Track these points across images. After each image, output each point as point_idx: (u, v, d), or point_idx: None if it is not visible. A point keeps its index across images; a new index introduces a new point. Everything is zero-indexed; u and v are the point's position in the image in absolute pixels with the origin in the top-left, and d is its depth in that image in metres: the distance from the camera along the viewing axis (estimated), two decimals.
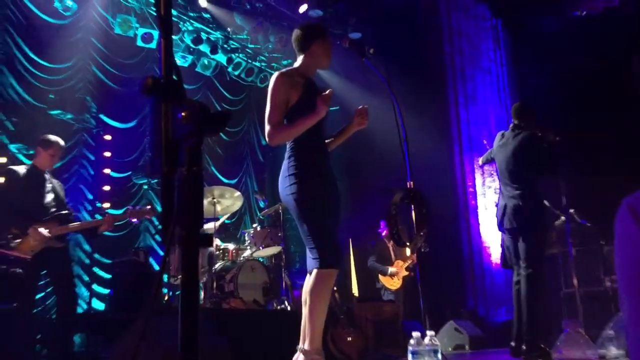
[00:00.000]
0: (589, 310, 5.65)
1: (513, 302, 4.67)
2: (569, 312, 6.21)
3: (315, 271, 3.11)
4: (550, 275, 6.78)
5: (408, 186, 3.31)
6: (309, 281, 3.15)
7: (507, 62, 9.28)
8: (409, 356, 3.04)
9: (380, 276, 7.34)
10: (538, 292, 4.51)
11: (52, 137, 4.76)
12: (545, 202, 6.65)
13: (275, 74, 3.33)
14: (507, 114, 8.98)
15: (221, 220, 6.53)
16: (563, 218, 6.70)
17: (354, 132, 3.57)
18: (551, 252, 6.93)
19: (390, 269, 7.23)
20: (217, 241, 6.31)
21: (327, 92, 3.13)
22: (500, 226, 4.78)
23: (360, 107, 3.49)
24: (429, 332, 3.08)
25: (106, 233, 6.72)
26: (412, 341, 3.03)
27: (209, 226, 6.10)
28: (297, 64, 3.47)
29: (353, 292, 8.45)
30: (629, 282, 0.84)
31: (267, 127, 3.24)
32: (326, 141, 3.49)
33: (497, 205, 4.93)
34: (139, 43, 7.83)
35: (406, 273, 7.24)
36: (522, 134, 4.79)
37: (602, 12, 7.93)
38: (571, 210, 6.04)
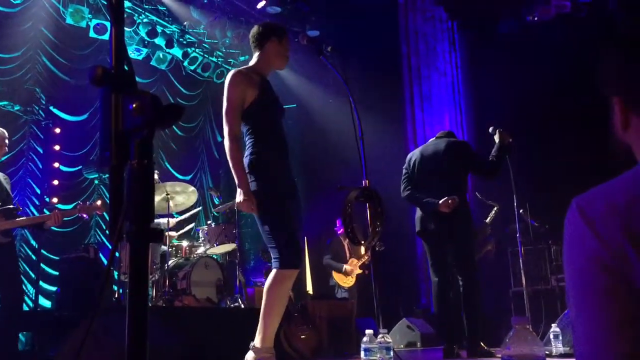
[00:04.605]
0: (536, 307, 5.80)
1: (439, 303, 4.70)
2: (517, 310, 6.36)
3: (274, 270, 3.10)
4: (499, 273, 6.94)
5: (363, 184, 3.32)
6: (267, 280, 3.14)
7: (463, 64, 9.44)
8: (362, 353, 3.06)
9: (334, 273, 7.37)
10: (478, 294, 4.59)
11: None
12: (477, 195, 6.79)
13: (231, 72, 3.30)
14: (461, 115, 9.14)
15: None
16: (496, 209, 6.86)
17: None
18: (487, 249, 7.10)
19: (345, 267, 7.26)
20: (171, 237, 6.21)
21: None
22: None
23: None
24: (382, 330, 3.11)
25: (54, 228, 6.55)
26: (365, 338, 3.06)
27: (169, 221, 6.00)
28: (252, 62, 3.45)
29: (307, 290, 8.46)
30: (577, 283, 0.85)
31: (225, 127, 3.20)
32: None
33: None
34: (92, 34, 7.64)
35: (360, 271, 7.28)
36: (451, 140, 4.85)
37: (554, 17, 8.13)
38: (521, 211, 6.19)
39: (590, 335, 0.81)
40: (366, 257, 7.15)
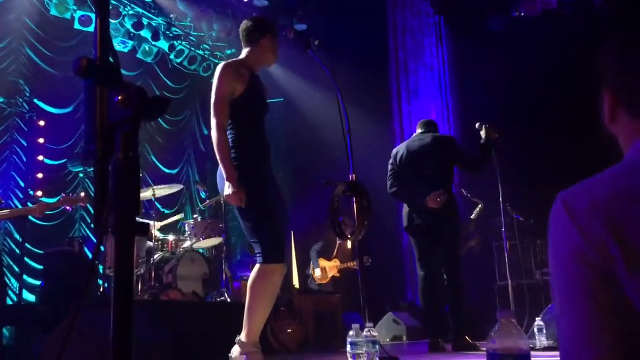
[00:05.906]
0: (521, 301, 5.84)
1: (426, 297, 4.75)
2: (502, 304, 6.41)
3: (257, 265, 3.10)
4: (485, 267, 6.99)
5: (350, 179, 3.32)
6: (251, 274, 3.14)
7: (449, 59, 9.46)
8: (348, 347, 3.07)
9: (311, 265, 7.45)
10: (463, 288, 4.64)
11: None
12: (463, 191, 6.84)
13: (221, 64, 3.28)
14: (447, 110, 9.17)
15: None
16: (480, 206, 6.91)
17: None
18: (470, 245, 7.15)
19: (318, 269, 7.33)
20: (156, 232, 6.18)
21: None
22: None
23: None
24: (368, 324, 3.13)
25: (39, 222, 6.52)
26: (351, 332, 3.07)
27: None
28: (243, 55, 3.42)
29: (294, 283, 8.47)
30: (561, 277, 0.86)
31: (213, 120, 3.19)
32: None
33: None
34: (77, 26, 7.54)
35: (338, 275, 7.33)
36: (437, 135, 4.87)
37: (541, 13, 8.17)
38: (507, 205, 6.23)
39: (574, 328, 0.82)
40: (351, 264, 7.19)
